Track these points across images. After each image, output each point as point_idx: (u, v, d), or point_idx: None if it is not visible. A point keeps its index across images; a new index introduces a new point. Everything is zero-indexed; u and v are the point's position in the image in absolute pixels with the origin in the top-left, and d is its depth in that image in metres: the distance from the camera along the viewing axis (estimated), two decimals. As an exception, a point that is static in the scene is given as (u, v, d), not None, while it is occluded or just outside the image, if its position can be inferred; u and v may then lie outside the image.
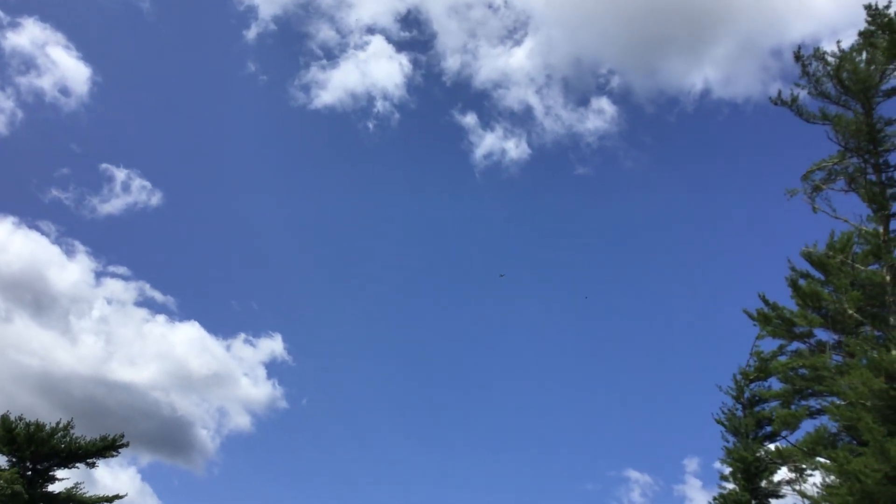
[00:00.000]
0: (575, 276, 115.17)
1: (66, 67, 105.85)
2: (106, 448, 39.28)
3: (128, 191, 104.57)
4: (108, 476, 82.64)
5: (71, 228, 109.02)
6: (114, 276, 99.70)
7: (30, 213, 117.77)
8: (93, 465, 39.54)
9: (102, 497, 38.88)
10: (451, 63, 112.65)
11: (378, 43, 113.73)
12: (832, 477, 28.78)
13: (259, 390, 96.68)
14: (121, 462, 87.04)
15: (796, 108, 31.51)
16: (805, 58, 30.83)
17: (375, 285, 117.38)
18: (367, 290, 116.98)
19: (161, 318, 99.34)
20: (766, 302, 35.57)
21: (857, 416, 26.28)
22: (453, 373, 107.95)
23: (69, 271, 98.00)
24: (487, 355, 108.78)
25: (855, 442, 31.00)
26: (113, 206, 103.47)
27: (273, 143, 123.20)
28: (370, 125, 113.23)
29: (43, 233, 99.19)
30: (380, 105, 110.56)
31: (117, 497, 39.30)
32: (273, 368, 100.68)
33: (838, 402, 28.74)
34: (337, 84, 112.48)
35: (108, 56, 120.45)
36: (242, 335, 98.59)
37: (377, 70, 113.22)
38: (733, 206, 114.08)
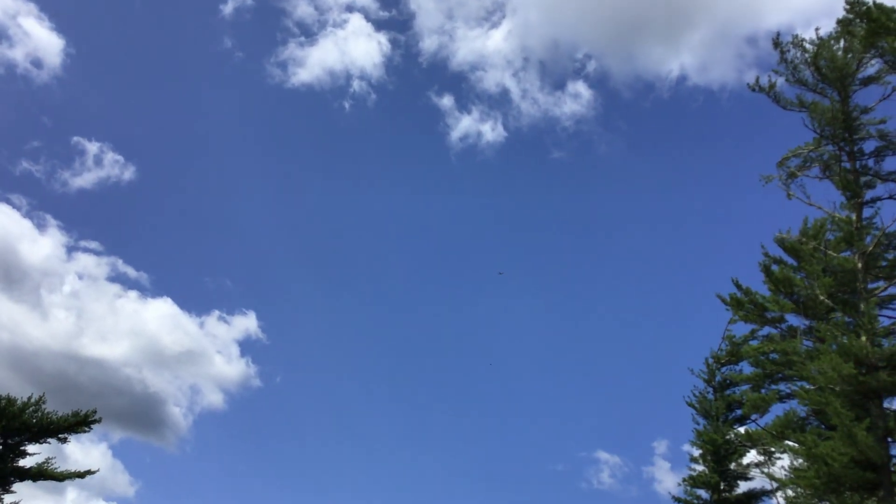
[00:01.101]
0: (548, 260, 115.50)
1: (38, 38, 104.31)
2: (78, 423, 38.99)
3: (100, 165, 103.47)
4: (78, 452, 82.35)
5: (42, 202, 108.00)
6: (85, 250, 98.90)
7: (0, 186, 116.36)
8: (64, 441, 39.29)
9: (74, 472, 38.65)
10: (429, 44, 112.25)
11: (357, 21, 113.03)
12: (800, 460, 29.19)
13: (232, 368, 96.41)
14: (91, 438, 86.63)
15: (774, 94, 31.70)
16: (784, 44, 30.99)
17: (350, 265, 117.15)
18: (341, 269, 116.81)
19: (133, 293, 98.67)
20: (739, 287, 35.87)
21: (825, 401, 26.62)
22: (425, 353, 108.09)
23: (40, 245, 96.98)
24: (459, 337, 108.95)
25: (823, 426, 31.44)
26: (85, 179, 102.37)
27: (249, 121, 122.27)
28: (346, 105, 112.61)
29: (14, 206, 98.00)
30: (356, 85, 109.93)
31: (89, 472, 39.09)
32: (247, 346, 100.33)
33: (808, 386, 29.12)
34: (315, 62, 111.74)
35: (81, 28, 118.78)
36: (216, 312, 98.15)
37: (356, 49, 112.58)
38: (708, 192, 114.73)
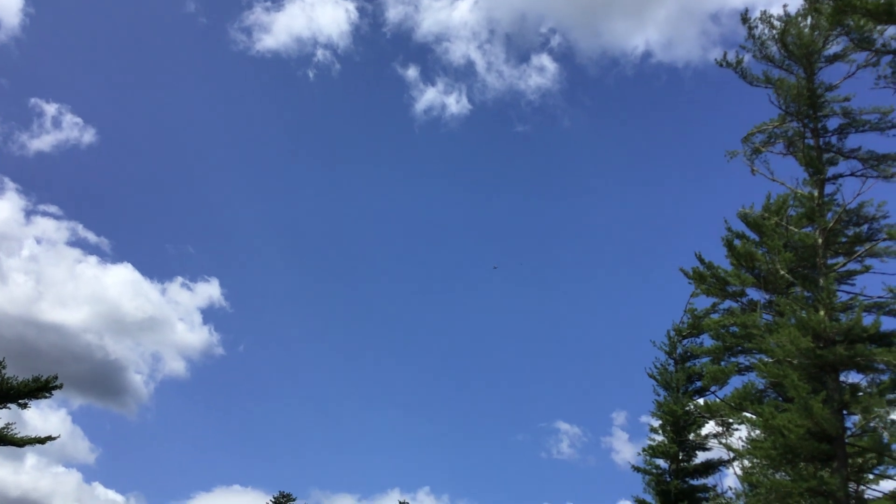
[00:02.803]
0: (510, 232, 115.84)
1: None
2: (39, 389, 38.60)
3: (59, 127, 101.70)
4: (37, 418, 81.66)
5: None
6: (45, 214, 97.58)
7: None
8: (25, 406, 38.94)
9: (34, 438, 38.37)
10: (394, 14, 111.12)
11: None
12: (757, 431, 29.67)
13: (195, 336, 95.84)
14: (51, 404, 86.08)
15: (741, 70, 31.85)
16: (752, 20, 31.14)
17: (312, 233, 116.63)
18: (304, 237, 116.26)
19: (93, 259, 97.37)
20: (701, 261, 36.28)
21: (783, 374, 27.07)
22: (387, 322, 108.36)
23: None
24: (421, 308, 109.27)
25: (781, 398, 32.01)
26: (43, 142, 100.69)
27: (212, 87, 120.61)
28: (311, 73, 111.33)
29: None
30: (321, 54, 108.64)
31: (50, 438, 38.83)
32: (210, 314, 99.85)
33: (766, 359, 29.52)
34: (281, 28, 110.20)
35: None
36: (179, 279, 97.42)
37: (322, 16, 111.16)
38: (672, 168, 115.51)
